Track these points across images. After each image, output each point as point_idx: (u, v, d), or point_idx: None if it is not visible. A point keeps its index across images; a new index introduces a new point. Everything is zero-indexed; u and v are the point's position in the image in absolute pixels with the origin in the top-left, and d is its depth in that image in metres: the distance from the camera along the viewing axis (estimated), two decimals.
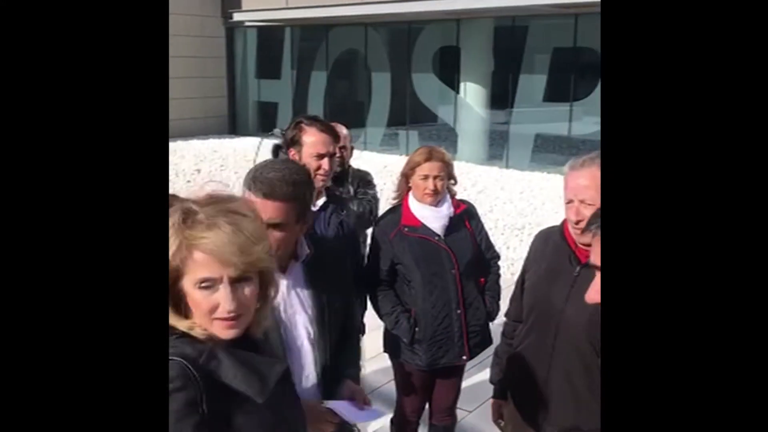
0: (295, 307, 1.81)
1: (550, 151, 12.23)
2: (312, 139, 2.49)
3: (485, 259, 2.87)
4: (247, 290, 1.22)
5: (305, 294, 1.83)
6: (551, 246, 2.11)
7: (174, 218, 1.15)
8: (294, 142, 2.52)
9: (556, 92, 12.06)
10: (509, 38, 12.75)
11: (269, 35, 15.95)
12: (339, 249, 1.99)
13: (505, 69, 12.72)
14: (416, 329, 2.68)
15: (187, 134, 14.68)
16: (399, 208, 2.77)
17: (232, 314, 1.19)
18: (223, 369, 1.20)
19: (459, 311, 2.69)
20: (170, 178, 10.67)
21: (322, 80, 14.87)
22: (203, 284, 1.18)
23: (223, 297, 1.18)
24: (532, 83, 12.34)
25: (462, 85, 12.84)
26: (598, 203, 1.83)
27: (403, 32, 13.89)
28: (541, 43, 12.27)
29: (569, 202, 1.95)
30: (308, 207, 1.79)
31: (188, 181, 10.57)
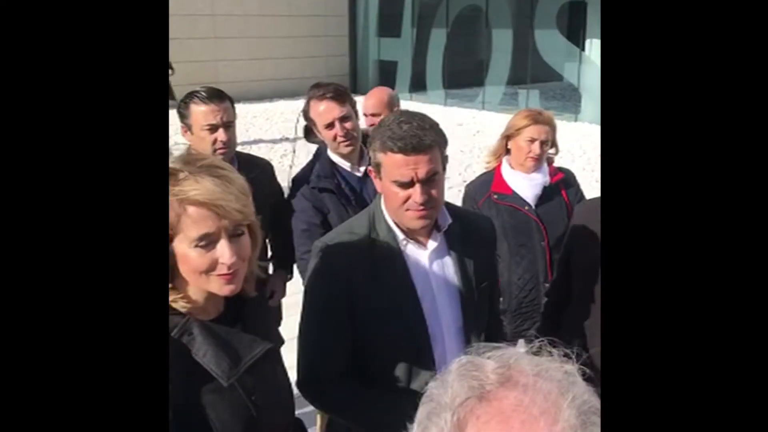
0: (439, 283, 1.63)
1: None
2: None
3: None
4: (243, 244, 1.20)
5: (450, 269, 1.65)
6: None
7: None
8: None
9: None
10: None
11: None
12: (480, 220, 1.80)
13: None
14: (500, 299, 2.60)
15: None
16: (490, 173, 2.67)
17: (232, 269, 1.18)
18: (196, 345, 1.19)
19: (547, 285, 2.58)
20: (287, 135, 11.01)
21: (441, 38, 14.61)
22: (200, 242, 1.16)
23: (222, 251, 1.17)
24: None
25: (588, 42, 12.16)
26: None
27: None
28: None
29: None
30: (445, 151, 1.60)
31: None
